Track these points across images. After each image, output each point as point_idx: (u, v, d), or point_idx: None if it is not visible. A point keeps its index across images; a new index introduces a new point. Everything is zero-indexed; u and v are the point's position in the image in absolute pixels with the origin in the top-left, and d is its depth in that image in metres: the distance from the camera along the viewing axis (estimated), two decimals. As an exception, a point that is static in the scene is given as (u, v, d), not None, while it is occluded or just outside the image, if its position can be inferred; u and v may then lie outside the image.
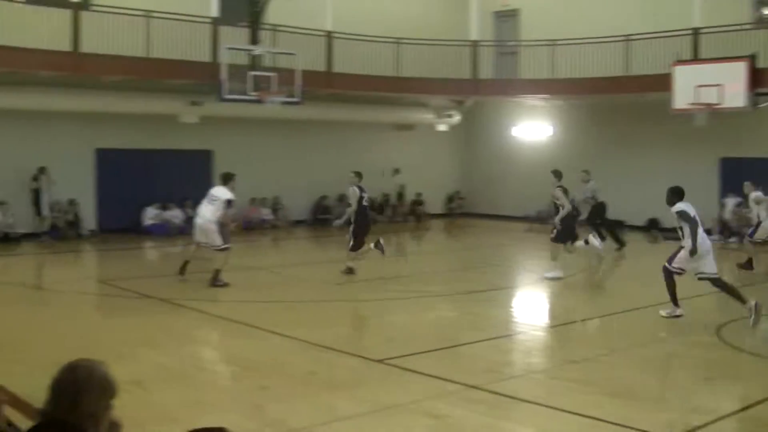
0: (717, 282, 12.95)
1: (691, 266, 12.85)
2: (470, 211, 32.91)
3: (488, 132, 33.07)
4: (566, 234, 18.24)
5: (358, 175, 18.13)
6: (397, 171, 29.57)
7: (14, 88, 22.17)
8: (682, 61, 23.62)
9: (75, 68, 21.93)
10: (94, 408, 3.69)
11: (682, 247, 12.96)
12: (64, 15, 21.83)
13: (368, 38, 27.13)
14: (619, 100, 27.53)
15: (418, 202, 31.53)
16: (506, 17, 31.77)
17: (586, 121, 29.75)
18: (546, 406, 8.43)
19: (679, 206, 13.12)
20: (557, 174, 18.99)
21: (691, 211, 12.94)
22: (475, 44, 28.80)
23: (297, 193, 26.10)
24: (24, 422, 5.98)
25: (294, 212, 28.35)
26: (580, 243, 18.38)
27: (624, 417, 7.99)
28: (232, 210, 23.06)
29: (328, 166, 29.01)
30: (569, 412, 8.20)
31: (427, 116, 31.32)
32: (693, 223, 12.68)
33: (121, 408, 3.84)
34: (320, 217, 28.60)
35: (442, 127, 31.94)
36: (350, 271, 17.41)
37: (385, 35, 27.63)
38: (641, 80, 25.37)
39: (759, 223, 19.08)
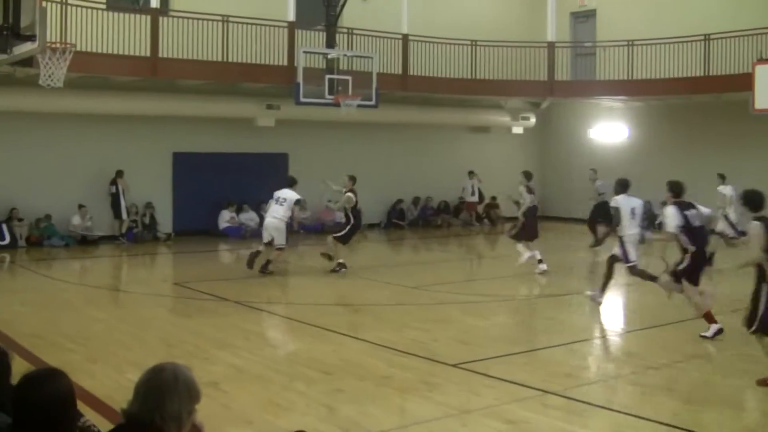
0: (634, 270, 14.33)
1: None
2: (546, 214, 32.63)
3: (564, 134, 32.79)
4: (528, 232, 19.39)
5: (352, 179, 19.13)
6: (472, 173, 29.38)
7: (93, 92, 22.56)
8: (764, 60, 23.11)
9: (153, 72, 22.25)
10: (177, 411, 3.71)
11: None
12: (143, 20, 22.15)
13: (444, 40, 27.10)
14: (698, 100, 27.09)
15: (493, 206, 31.35)
16: (583, 18, 31.47)
17: (663, 122, 29.32)
18: (622, 413, 8.29)
19: (616, 200, 14.33)
20: (527, 175, 19.85)
21: (627, 206, 14.11)
22: (551, 45, 28.55)
23: (372, 197, 26.08)
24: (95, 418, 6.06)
25: (369, 216, 28.33)
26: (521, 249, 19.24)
27: (700, 424, 7.84)
28: (307, 212, 23.38)
29: (403, 169, 29.04)
30: (645, 419, 8.06)
31: (503, 118, 31.15)
32: (616, 218, 14.15)
33: (198, 409, 3.84)
34: (395, 221, 28.62)
35: (517, 130, 31.72)
36: (328, 257, 18.68)
37: (461, 37, 27.58)
38: (721, 80, 24.96)
39: None
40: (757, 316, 9.32)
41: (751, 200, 10.28)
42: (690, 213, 12.27)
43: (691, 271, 12.33)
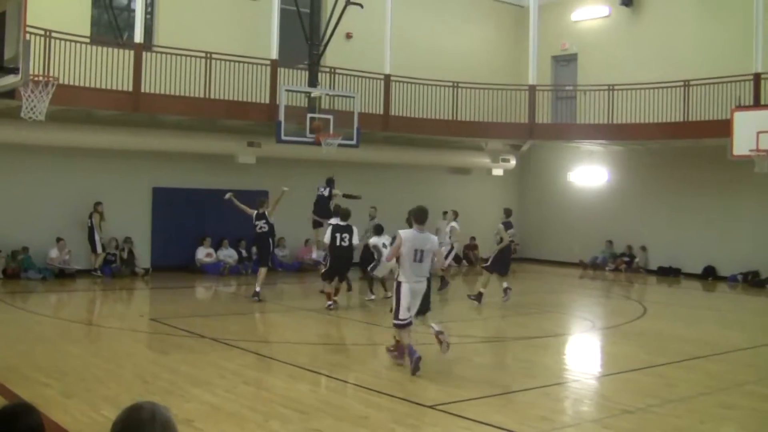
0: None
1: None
2: (524, 256, 32.75)
3: (544, 177, 32.98)
4: (500, 266, 20.38)
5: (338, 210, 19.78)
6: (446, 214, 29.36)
7: (75, 125, 22.60)
8: (742, 107, 23.35)
9: (135, 107, 22.28)
10: (154, 451, 3.69)
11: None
12: (126, 54, 22.19)
13: (426, 81, 27.29)
14: (677, 145, 27.36)
15: (472, 246, 31.42)
16: (564, 61, 31.77)
17: (642, 166, 29.56)
18: (599, 457, 8.30)
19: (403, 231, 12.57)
20: (507, 212, 21.19)
21: (407, 241, 12.20)
22: (532, 88, 28.77)
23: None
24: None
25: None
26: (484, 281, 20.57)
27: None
28: (285, 250, 23.71)
29: (382, 208, 29.03)
30: (623, 463, 8.06)
31: (483, 160, 31.33)
32: (393, 248, 12.57)
33: (172, 448, 3.83)
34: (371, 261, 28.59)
35: (497, 172, 31.91)
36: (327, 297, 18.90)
37: (443, 78, 27.78)
38: (700, 126, 25.23)
39: None
40: None
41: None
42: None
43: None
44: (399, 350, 12.56)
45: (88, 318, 18.46)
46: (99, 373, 11.61)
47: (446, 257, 22.84)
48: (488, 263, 20.82)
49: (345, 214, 19.09)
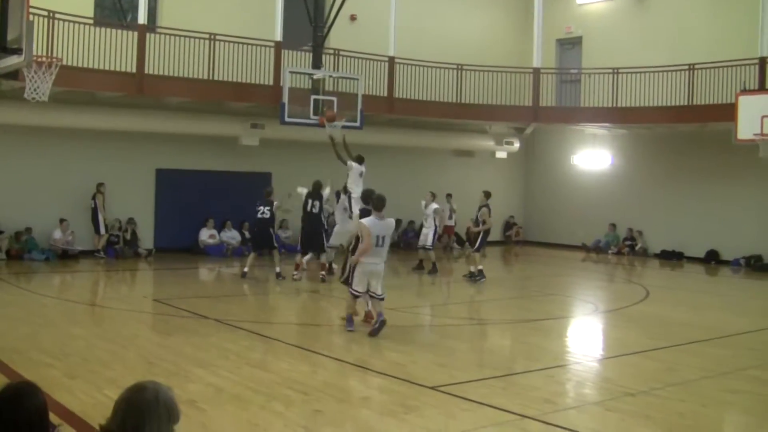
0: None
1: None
2: (527, 239, 32.77)
3: (547, 160, 32.95)
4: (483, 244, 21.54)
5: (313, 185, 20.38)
6: (449, 197, 29.26)
7: (78, 107, 22.56)
8: (747, 91, 23.29)
9: (139, 89, 22.24)
10: (156, 431, 3.71)
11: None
12: (130, 36, 22.15)
13: (430, 64, 27.22)
14: (681, 129, 27.28)
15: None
16: (569, 44, 31.70)
17: (646, 150, 29.50)
18: (601, 440, 8.32)
19: (365, 220, 13.66)
20: (487, 194, 21.85)
21: (371, 229, 13.20)
22: (537, 71, 28.69)
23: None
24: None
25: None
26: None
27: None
28: (288, 232, 23.91)
29: (385, 191, 28.93)
30: (624, 446, 8.09)
31: (487, 143, 31.29)
32: (365, 241, 13.26)
33: (176, 427, 3.84)
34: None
35: (501, 154, 31.87)
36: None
37: (447, 61, 27.70)
38: (705, 110, 25.14)
39: None
40: None
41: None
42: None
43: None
44: (349, 319, 13.86)
45: (92, 299, 18.49)
46: (103, 354, 11.64)
47: (433, 239, 22.92)
48: (476, 246, 21.45)
49: (317, 186, 20.14)
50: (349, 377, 10.68)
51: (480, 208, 21.68)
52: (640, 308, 17.85)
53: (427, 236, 22.88)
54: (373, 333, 13.18)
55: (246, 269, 20.53)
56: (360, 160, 20.92)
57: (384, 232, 13.34)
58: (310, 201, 20.04)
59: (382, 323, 13.22)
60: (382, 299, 13.55)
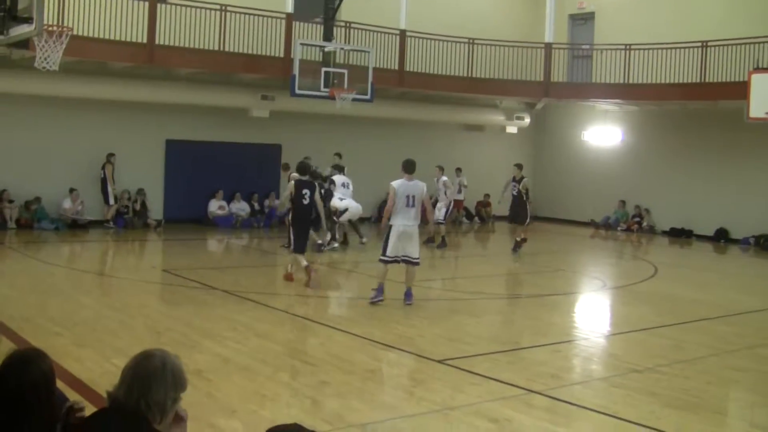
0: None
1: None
2: (536, 215, 32.73)
3: (558, 136, 32.86)
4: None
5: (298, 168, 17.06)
6: (459, 171, 29.13)
7: (89, 77, 22.54)
8: (760, 69, 23.14)
9: (149, 60, 22.21)
10: (162, 399, 3.72)
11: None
12: (141, 6, 22.10)
13: (442, 37, 27.13)
14: (693, 106, 27.17)
15: (484, 204, 31.41)
16: (581, 20, 31.53)
17: (657, 127, 29.39)
18: (606, 415, 8.33)
19: (394, 182, 14.04)
20: (521, 167, 22.93)
21: (399, 189, 13.74)
22: (548, 46, 28.58)
23: (363, 191, 25.99)
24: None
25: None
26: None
27: (682, 429, 7.89)
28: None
29: (395, 164, 28.93)
30: (629, 421, 8.10)
31: (498, 118, 31.20)
32: (389, 201, 13.82)
33: (182, 397, 3.86)
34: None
35: (511, 129, 31.79)
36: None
37: (459, 35, 27.60)
38: (717, 87, 25.00)
39: None
40: None
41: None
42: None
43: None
44: (378, 290, 13.84)
45: (101, 269, 18.56)
46: (111, 324, 11.69)
47: (445, 213, 23.06)
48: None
49: (304, 168, 16.87)
50: (356, 349, 10.71)
51: (520, 180, 22.44)
52: (647, 285, 17.85)
53: (440, 210, 22.93)
54: (406, 299, 13.79)
55: (320, 240, 20.49)
56: (339, 169, 21.75)
57: (413, 192, 13.68)
58: (303, 192, 16.06)
59: (409, 295, 13.80)
60: (418, 263, 13.86)
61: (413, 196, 13.67)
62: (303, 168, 16.64)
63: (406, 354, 10.53)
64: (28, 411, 4.06)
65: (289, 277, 15.89)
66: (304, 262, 15.59)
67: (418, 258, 13.85)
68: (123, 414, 3.69)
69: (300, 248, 15.87)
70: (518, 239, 22.11)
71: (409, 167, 14.06)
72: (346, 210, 21.22)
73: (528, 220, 22.45)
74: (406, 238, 13.69)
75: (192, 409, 4.15)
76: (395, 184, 13.84)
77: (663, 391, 9.25)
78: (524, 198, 22.30)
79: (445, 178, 23.65)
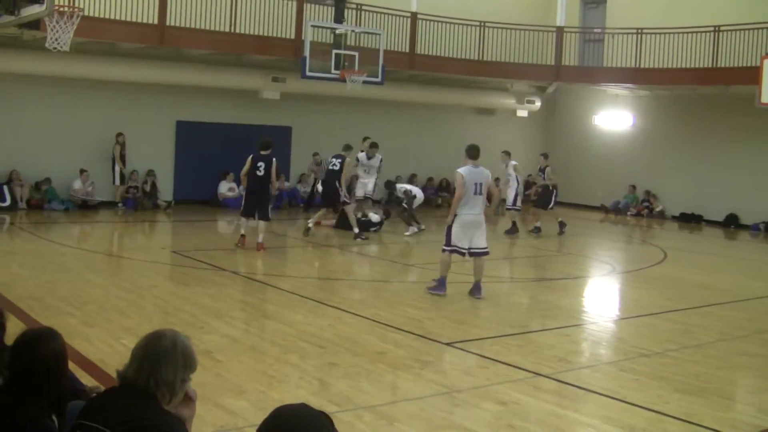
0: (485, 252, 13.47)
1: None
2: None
3: (568, 119, 32.78)
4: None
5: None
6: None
7: (99, 57, 22.54)
8: (772, 54, 23.04)
9: (160, 40, 22.18)
10: (172, 379, 3.75)
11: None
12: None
13: (453, 20, 27.05)
14: (704, 91, 27.05)
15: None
16: (593, 4, 31.40)
17: (668, 112, 29.30)
18: (614, 398, 8.34)
19: (460, 168, 13.40)
20: (546, 156, 23.56)
21: (467, 176, 13.12)
22: (560, 30, 28.49)
23: (376, 173, 25.97)
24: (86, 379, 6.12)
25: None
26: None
27: (690, 413, 7.88)
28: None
29: (405, 147, 28.99)
30: (636, 405, 8.11)
31: (508, 101, 31.12)
32: (457, 190, 13.23)
33: (191, 377, 3.88)
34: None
35: (522, 113, 31.72)
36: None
37: (470, 18, 27.51)
38: (729, 72, 24.91)
39: None
40: None
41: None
42: None
43: None
44: (440, 282, 13.41)
45: (111, 249, 18.61)
46: (120, 304, 11.73)
47: (515, 198, 22.75)
48: (551, 204, 23.45)
49: (265, 144, 17.95)
50: (364, 331, 10.73)
51: (545, 168, 22.98)
52: (657, 270, 17.83)
53: (509, 196, 22.85)
54: (474, 293, 13.37)
55: (357, 229, 20.24)
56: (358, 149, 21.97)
57: (480, 179, 13.16)
58: (258, 164, 17.70)
59: (478, 289, 13.33)
60: (487, 252, 13.50)
61: (480, 184, 13.11)
62: (265, 144, 17.90)
63: (414, 336, 10.54)
64: (37, 388, 4.09)
65: (259, 247, 17.23)
66: (242, 230, 17.75)
67: (486, 248, 13.39)
68: (133, 393, 3.72)
69: (245, 213, 17.82)
70: (537, 224, 22.54)
71: (473, 152, 13.42)
72: (414, 197, 22.14)
73: (551, 206, 22.95)
74: (473, 228, 13.18)
75: (200, 389, 4.17)
76: (462, 171, 13.16)
77: (671, 376, 9.26)
78: (549, 187, 22.54)
79: (514, 162, 23.41)
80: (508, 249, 20.35)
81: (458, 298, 13.33)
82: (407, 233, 21.34)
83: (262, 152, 17.73)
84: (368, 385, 8.44)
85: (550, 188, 22.93)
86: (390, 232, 21.58)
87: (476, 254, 13.29)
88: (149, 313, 11.24)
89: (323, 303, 12.54)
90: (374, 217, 21.92)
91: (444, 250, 13.28)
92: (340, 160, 20.19)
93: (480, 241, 13.25)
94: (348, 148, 20.58)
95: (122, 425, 3.59)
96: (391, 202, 23.53)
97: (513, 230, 22.30)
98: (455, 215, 13.14)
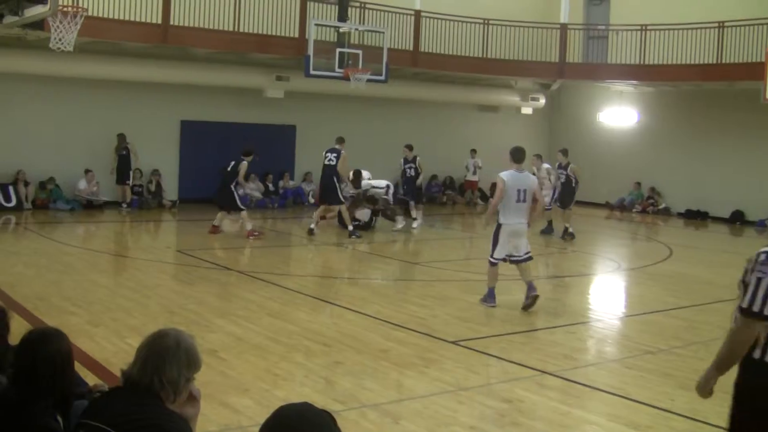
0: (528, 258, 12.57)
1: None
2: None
3: (573, 117, 32.73)
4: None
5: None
6: (473, 152, 29.10)
7: (103, 57, 22.54)
8: (777, 50, 23.00)
9: (164, 40, 22.17)
10: (176, 378, 3.74)
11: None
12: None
13: (456, 18, 27.02)
14: (709, 87, 27.01)
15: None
16: (597, 1, 31.36)
17: (673, 108, 29.25)
18: (619, 396, 8.34)
19: (503, 173, 12.36)
20: (566, 152, 22.80)
21: (509, 182, 12.11)
22: (564, 27, 28.45)
23: (377, 171, 26.01)
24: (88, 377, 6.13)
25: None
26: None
27: (695, 411, 7.86)
28: (312, 185, 23.90)
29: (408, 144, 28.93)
30: (641, 402, 8.10)
31: (513, 99, 31.09)
32: (496, 194, 12.26)
33: (196, 376, 3.87)
34: (400, 197, 28.55)
35: (526, 110, 31.69)
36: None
37: (473, 15, 27.48)
38: (734, 68, 24.85)
39: None
40: None
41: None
42: None
43: None
44: (489, 294, 12.65)
45: (116, 249, 18.62)
46: (125, 303, 11.74)
47: (551, 199, 22.29)
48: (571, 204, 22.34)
49: (248, 151, 19.72)
50: (369, 330, 10.73)
51: (567, 165, 22.23)
52: (662, 267, 17.81)
53: (545, 198, 22.41)
54: (526, 308, 12.29)
55: (312, 225, 20.13)
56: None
57: (524, 186, 12.16)
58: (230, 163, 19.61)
59: (535, 298, 12.24)
60: (530, 258, 12.58)
61: (524, 190, 12.12)
62: (247, 151, 19.67)
63: (418, 334, 10.54)
64: (42, 388, 4.09)
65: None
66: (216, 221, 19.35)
67: (527, 253, 12.49)
68: (137, 392, 3.72)
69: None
70: (567, 225, 21.72)
71: (518, 155, 12.38)
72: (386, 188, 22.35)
73: (571, 205, 22.26)
74: (516, 237, 12.35)
75: (205, 388, 4.17)
76: (505, 175, 12.12)
77: (677, 373, 9.24)
78: (572, 184, 22.15)
79: (547, 165, 23.16)
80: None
81: (462, 296, 13.32)
82: (397, 227, 21.51)
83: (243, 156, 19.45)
84: (373, 383, 8.44)
85: (573, 185, 22.38)
86: (395, 230, 21.56)
87: (516, 262, 12.54)
88: (154, 313, 11.26)
89: (327, 301, 12.56)
90: (363, 215, 21.74)
91: (491, 263, 12.56)
92: (335, 155, 19.87)
93: (520, 249, 12.42)
94: (341, 140, 20.32)
95: (126, 424, 3.59)
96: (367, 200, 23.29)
97: (548, 229, 22.16)
98: (499, 225, 12.29)
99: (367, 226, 21.24)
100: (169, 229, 22.58)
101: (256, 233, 19.03)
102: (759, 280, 4.83)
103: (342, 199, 19.96)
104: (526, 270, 12.53)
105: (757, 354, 4.99)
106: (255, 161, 20.16)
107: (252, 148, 19.42)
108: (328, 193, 20.01)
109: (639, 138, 30.19)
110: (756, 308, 4.84)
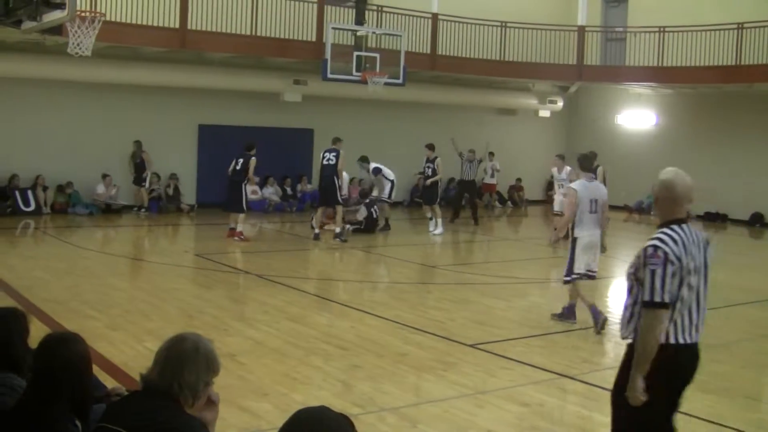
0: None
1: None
2: (570, 199, 32.52)
3: (591, 119, 32.64)
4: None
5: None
6: (491, 155, 28.95)
7: (121, 62, 22.62)
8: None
9: (182, 44, 22.24)
10: (195, 382, 3.74)
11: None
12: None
13: (474, 21, 26.99)
14: (728, 89, 26.88)
15: (517, 188, 31.31)
16: (615, 2, 31.28)
17: (691, 110, 29.14)
18: (639, 399, 8.29)
19: (574, 183, 11.79)
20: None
21: (581, 193, 11.44)
22: (582, 29, 28.39)
23: (396, 175, 26.02)
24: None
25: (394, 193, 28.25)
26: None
27: (715, 413, 7.83)
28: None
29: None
30: (662, 406, 8.05)
31: (530, 101, 31.05)
32: (568, 208, 11.66)
33: (215, 380, 3.87)
34: (417, 200, 28.55)
35: (544, 113, 31.63)
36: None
37: (491, 18, 27.45)
38: (753, 70, 24.73)
39: None
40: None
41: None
42: None
43: None
44: (569, 309, 12.00)
45: (134, 253, 18.66)
46: (144, 307, 11.77)
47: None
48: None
49: (250, 146, 19.91)
50: (387, 333, 10.72)
51: (595, 168, 21.33)
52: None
53: (561, 202, 22.25)
54: (598, 332, 11.39)
55: (338, 229, 19.98)
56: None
57: (596, 196, 11.52)
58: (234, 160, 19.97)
59: (604, 321, 11.43)
60: (595, 278, 12.03)
61: (596, 201, 11.51)
62: (250, 145, 19.78)
63: (437, 338, 10.53)
64: (60, 392, 4.10)
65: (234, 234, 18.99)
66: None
67: (596, 272, 11.95)
68: (155, 396, 3.72)
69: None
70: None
71: (587, 163, 11.87)
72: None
73: None
74: (591, 250, 11.65)
75: (223, 392, 4.16)
76: (577, 186, 11.50)
77: (696, 375, 9.16)
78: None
79: (569, 168, 22.97)
80: (532, 250, 20.27)
81: (480, 299, 13.29)
82: (435, 231, 21.64)
83: (246, 151, 19.65)
84: (391, 386, 8.43)
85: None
86: (410, 232, 21.55)
87: (591, 278, 11.93)
88: (172, 317, 11.28)
89: (345, 305, 12.54)
90: (359, 214, 21.78)
91: (566, 282, 11.82)
92: (334, 154, 19.69)
93: (594, 264, 11.75)
94: (338, 140, 20.10)
95: (144, 428, 3.59)
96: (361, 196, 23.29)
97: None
98: (575, 238, 11.58)
99: (371, 225, 21.19)
100: (187, 233, 22.63)
101: (243, 237, 19.17)
102: (653, 272, 5.32)
103: (341, 200, 19.93)
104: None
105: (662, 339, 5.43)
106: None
107: (252, 142, 19.51)
108: (328, 194, 19.85)
109: (657, 140, 30.07)
110: (658, 298, 5.26)
